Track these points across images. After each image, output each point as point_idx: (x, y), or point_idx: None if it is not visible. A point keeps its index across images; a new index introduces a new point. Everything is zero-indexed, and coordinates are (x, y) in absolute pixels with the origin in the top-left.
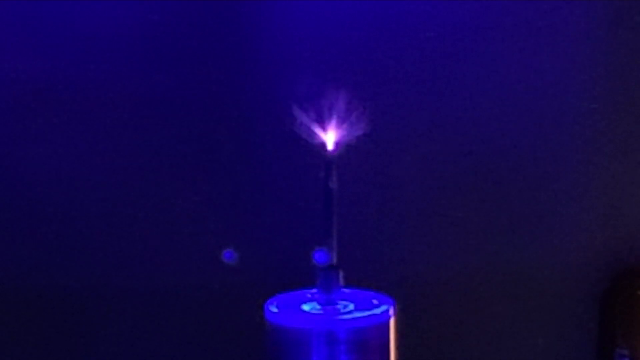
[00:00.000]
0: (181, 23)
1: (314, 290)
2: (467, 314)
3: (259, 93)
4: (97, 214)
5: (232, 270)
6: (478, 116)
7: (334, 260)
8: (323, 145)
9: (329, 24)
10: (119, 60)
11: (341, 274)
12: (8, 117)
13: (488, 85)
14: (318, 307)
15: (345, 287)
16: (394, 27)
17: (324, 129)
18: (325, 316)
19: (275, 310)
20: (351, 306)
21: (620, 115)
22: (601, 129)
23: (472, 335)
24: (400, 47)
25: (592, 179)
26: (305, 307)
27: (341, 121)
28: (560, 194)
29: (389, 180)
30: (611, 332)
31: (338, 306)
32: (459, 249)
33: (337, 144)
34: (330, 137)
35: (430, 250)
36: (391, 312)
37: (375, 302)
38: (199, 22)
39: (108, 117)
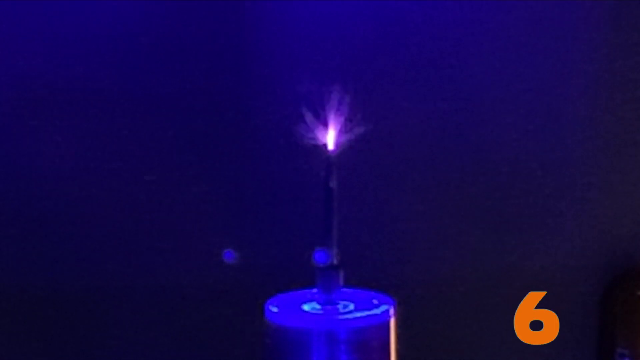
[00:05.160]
0: (181, 23)
1: (314, 290)
2: (467, 314)
3: (259, 93)
4: (97, 214)
5: (232, 270)
6: (478, 116)
7: (334, 260)
8: (323, 145)
9: (329, 24)
10: (119, 60)
11: (341, 274)
12: (8, 117)
13: (488, 86)
14: (318, 307)
15: (345, 287)
16: (394, 27)
17: (324, 128)
18: (325, 316)
19: (275, 310)
20: (351, 306)
21: (620, 115)
22: (601, 129)
23: (472, 335)
24: (400, 47)
25: (592, 179)
26: (305, 307)
27: (341, 121)
28: (560, 194)
29: (389, 180)
30: (611, 332)
31: (338, 306)
32: (459, 249)
33: (337, 144)
34: (330, 137)
35: (430, 250)
36: (391, 312)
37: (375, 302)
38: (200, 22)
39: (108, 117)
